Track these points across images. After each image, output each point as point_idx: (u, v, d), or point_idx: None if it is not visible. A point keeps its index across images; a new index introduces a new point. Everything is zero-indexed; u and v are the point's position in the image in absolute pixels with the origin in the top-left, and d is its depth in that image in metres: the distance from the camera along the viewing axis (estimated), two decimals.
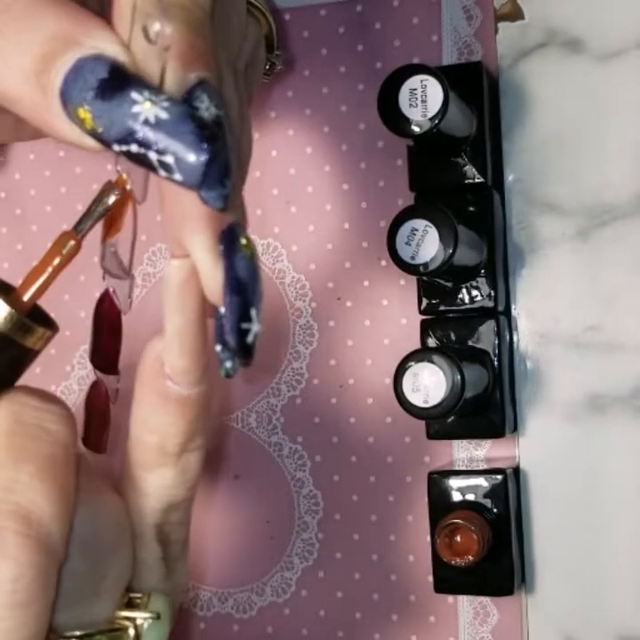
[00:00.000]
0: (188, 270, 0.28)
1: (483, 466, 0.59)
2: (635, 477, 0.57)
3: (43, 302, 0.31)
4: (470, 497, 0.57)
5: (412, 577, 0.61)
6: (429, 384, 0.52)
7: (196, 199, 0.26)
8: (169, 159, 0.26)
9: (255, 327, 0.28)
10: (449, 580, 0.57)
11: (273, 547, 0.64)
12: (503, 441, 0.59)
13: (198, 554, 0.65)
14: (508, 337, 0.59)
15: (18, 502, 0.27)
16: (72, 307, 0.67)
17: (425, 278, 0.57)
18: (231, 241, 0.28)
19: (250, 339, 0.28)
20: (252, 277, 0.28)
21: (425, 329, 0.58)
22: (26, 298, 0.30)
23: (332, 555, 0.63)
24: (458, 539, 0.55)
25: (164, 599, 0.32)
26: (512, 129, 0.59)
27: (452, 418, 0.57)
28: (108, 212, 0.30)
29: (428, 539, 0.58)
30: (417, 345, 0.58)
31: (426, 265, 0.52)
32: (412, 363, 0.52)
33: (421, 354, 0.53)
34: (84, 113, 0.26)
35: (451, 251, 0.51)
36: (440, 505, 0.57)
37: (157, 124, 0.25)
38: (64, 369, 0.68)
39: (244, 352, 0.28)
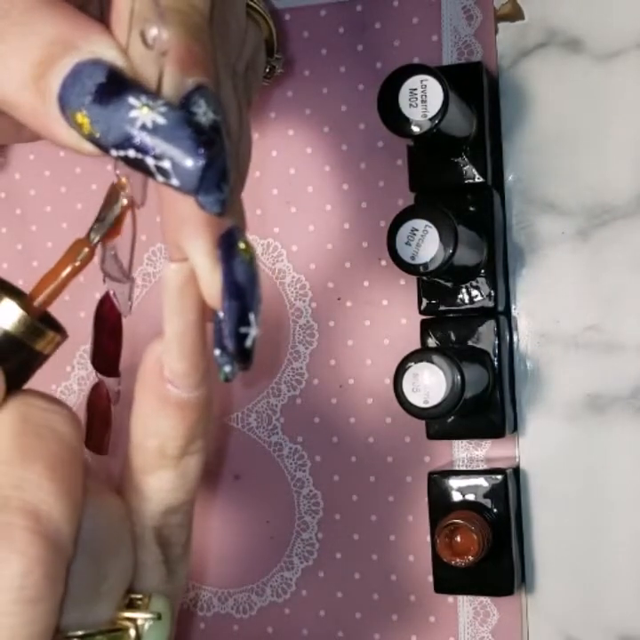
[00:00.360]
0: (187, 274, 0.28)
1: (483, 466, 0.59)
2: (635, 477, 0.57)
3: None
4: (470, 497, 0.57)
5: (411, 577, 0.61)
6: (429, 384, 0.52)
7: (194, 203, 0.26)
8: (166, 164, 0.26)
9: (254, 331, 0.28)
10: (449, 579, 0.57)
11: (273, 547, 0.64)
12: (503, 441, 0.59)
13: (199, 554, 0.65)
14: (508, 337, 0.59)
15: (27, 499, 0.27)
16: (72, 307, 0.67)
17: (425, 278, 0.57)
18: (229, 245, 0.28)
19: (248, 343, 0.28)
20: (250, 282, 0.28)
21: (425, 329, 0.58)
22: (37, 303, 0.30)
23: (332, 555, 0.63)
24: (458, 539, 0.55)
25: (164, 600, 0.32)
26: (512, 129, 0.59)
27: (452, 418, 0.57)
28: (119, 219, 0.30)
29: (428, 539, 0.58)
30: (417, 345, 0.58)
31: (426, 265, 0.52)
32: (412, 363, 0.52)
33: (421, 354, 0.53)
34: (81, 118, 0.26)
35: (451, 251, 0.51)
36: (440, 505, 0.57)
37: (155, 130, 0.25)
38: (64, 369, 0.68)
39: (243, 356, 0.28)
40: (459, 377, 0.52)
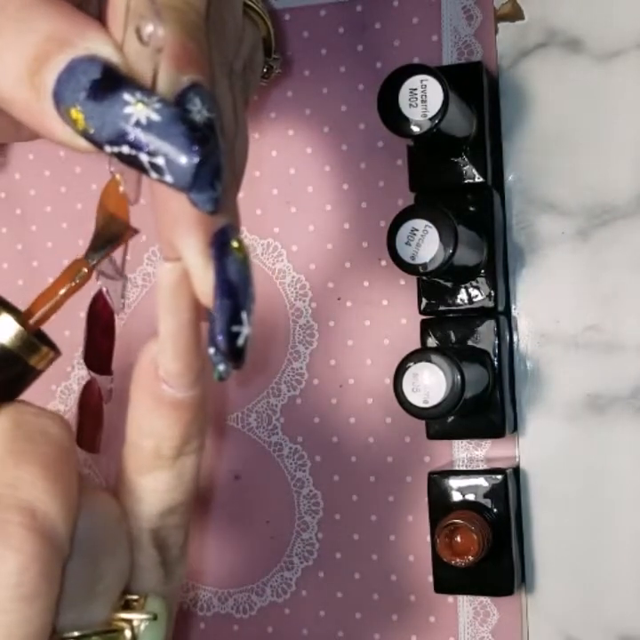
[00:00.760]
0: (180, 273, 0.28)
1: (483, 466, 0.59)
2: (635, 477, 0.57)
3: None
4: (470, 497, 0.57)
5: (411, 577, 0.61)
6: (429, 384, 0.52)
7: (187, 201, 0.26)
8: (160, 161, 0.26)
9: (246, 330, 0.28)
10: (449, 579, 0.57)
11: (273, 547, 0.64)
12: (503, 441, 0.59)
13: (198, 554, 0.65)
14: (507, 337, 0.59)
15: (22, 497, 0.27)
16: (71, 307, 0.66)
17: (425, 278, 0.57)
18: (222, 244, 0.28)
19: (240, 342, 0.28)
20: (243, 280, 0.28)
21: (425, 329, 0.58)
22: (33, 320, 0.31)
23: (332, 555, 0.63)
24: (458, 539, 0.55)
25: (161, 601, 0.32)
26: (512, 129, 0.59)
27: (452, 418, 0.57)
28: (117, 245, 0.31)
29: (428, 539, 0.58)
30: (417, 345, 0.58)
31: (426, 265, 0.52)
32: (412, 363, 0.52)
33: (421, 354, 0.53)
34: (76, 113, 0.26)
35: (451, 251, 0.51)
36: (440, 505, 0.57)
37: (149, 126, 0.25)
38: (64, 369, 0.68)
39: (235, 355, 0.28)
40: (459, 377, 0.52)
